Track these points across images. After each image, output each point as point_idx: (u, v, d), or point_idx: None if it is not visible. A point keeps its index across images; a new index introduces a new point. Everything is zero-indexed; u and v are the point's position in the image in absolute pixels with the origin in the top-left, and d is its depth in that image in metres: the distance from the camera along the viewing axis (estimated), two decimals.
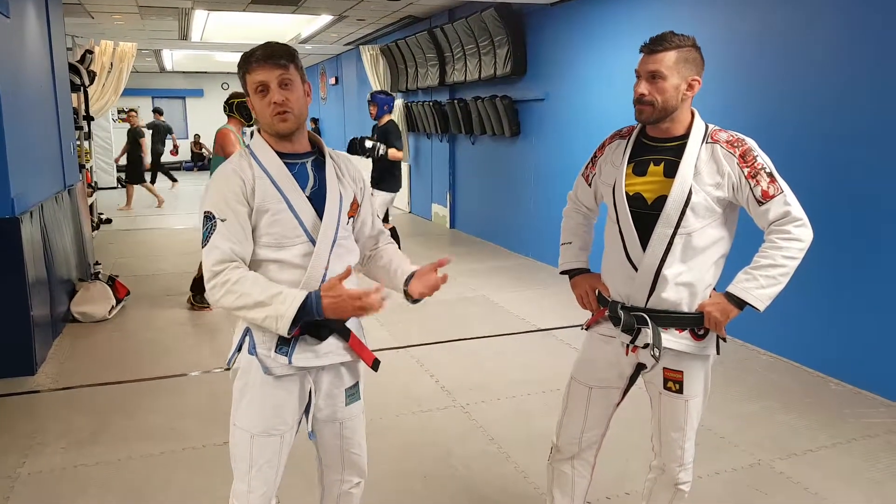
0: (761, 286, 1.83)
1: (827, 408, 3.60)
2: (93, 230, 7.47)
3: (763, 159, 1.85)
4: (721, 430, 3.35)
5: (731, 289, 1.85)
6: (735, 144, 1.86)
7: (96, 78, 8.53)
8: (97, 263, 5.79)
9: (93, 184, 9.09)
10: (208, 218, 1.67)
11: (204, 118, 18.15)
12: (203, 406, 3.64)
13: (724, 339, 1.98)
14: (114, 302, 5.28)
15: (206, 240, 1.66)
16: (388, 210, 6.87)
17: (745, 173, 1.83)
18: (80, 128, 7.15)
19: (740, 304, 1.84)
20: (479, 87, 8.09)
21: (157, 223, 10.03)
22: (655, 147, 1.93)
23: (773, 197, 1.82)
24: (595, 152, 2.13)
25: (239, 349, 1.78)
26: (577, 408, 2.12)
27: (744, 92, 4.52)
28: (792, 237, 1.83)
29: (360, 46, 10.82)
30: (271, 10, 8.65)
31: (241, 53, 1.74)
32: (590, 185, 2.13)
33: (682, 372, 1.94)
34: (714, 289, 1.95)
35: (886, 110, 3.62)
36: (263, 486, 1.81)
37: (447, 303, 5.56)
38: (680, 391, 1.95)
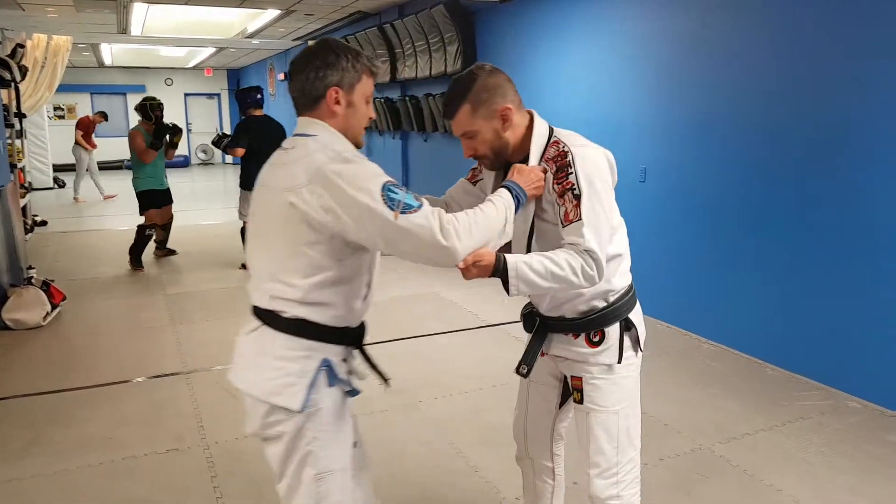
0: (531, 267, 1.61)
1: (764, 393, 3.74)
2: (26, 233, 7.17)
3: (577, 176, 1.66)
4: (665, 418, 3.44)
5: (508, 256, 1.64)
6: (556, 158, 1.72)
7: (28, 73, 8.19)
8: (30, 268, 5.56)
9: (27, 184, 8.74)
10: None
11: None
12: (145, 414, 3.55)
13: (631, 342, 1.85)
14: (49, 308, 5.08)
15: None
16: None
17: (557, 190, 1.70)
18: (10, 125, 6.86)
19: (503, 270, 1.61)
20: (430, 83, 8.09)
21: (97, 224, 9.70)
22: None
23: (571, 222, 1.65)
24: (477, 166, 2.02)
25: (312, 386, 1.59)
26: (520, 401, 2.13)
27: (684, 87, 4.63)
28: (574, 256, 1.63)
29: (310, 42, 10.66)
30: (216, 3, 8.45)
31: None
32: (474, 185, 2.03)
33: (581, 378, 1.84)
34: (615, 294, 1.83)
35: (823, 104, 3.76)
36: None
37: (400, 301, 5.55)
38: (581, 401, 1.85)
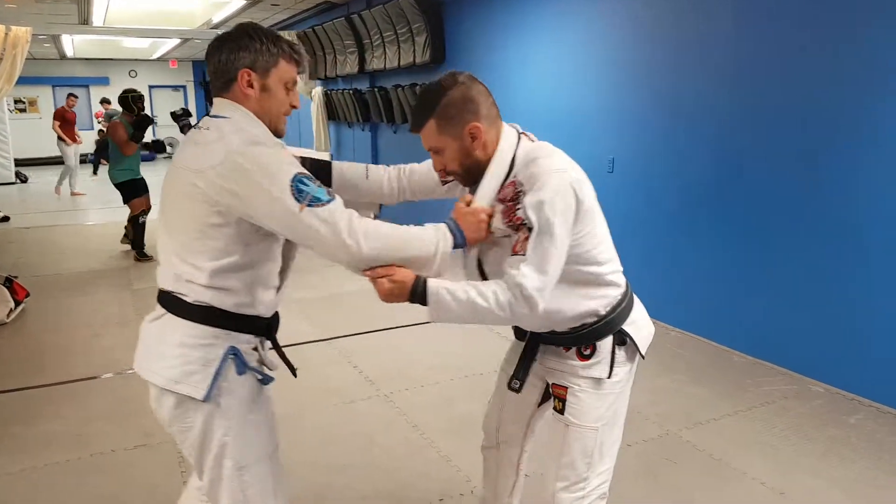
0: (454, 296, 1.55)
1: (730, 379, 3.82)
2: None
3: (528, 211, 1.56)
4: (633, 404, 3.45)
5: (432, 280, 1.58)
6: (518, 185, 1.61)
7: None
8: None
9: None
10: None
11: (110, 107, 17.29)
12: (112, 410, 3.49)
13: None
14: (12, 304, 4.97)
15: None
16: None
17: (511, 221, 1.61)
18: None
19: (421, 294, 1.56)
20: (398, 74, 8.05)
21: (61, 220, 9.50)
22: None
23: (516, 254, 1.57)
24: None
25: (217, 375, 1.55)
26: (497, 393, 2.08)
27: (651, 77, 4.68)
28: (504, 290, 1.55)
29: (277, 32, 10.54)
30: None
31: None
32: (444, 184, 1.92)
33: (566, 389, 1.77)
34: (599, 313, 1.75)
35: (788, 92, 3.83)
36: (286, 487, 1.76)
37: (369, 293, 5.51)
38: (562, 411, 1.78)
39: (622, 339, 1.76)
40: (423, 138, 1.68)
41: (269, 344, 1.71)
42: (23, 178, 13.51)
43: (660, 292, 4.75)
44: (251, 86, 1.57)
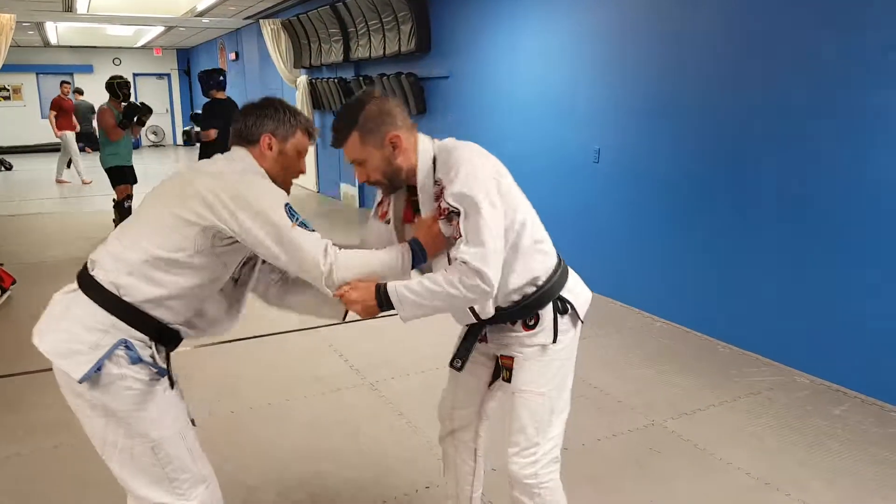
0: (410, 289, 1.67)
1: (716, 369, 3.84)
2: None
3: (451, 199, 1.67)
4: (618, 395, 3.51)
5: (389, 283, 1.69)
6: (439, 182, 1.74)
7: None
8: None
9: None
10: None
11: (94, 96, 17.07)
12: None
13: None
14: None
15: None
16: None
17: (444, 218, 1.72)
18: None
19: (384, 296, 1.68)
20: (384, 63, 8.00)
21: (44, 208, 9.38)
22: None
23: (456, 240, 1.68)
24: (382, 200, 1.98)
25: (103, 360, 1.60)
26: (450, 381, 2.14)
27: (638, 68, 4.68)
28: (452, 271, 1.66)
29: (261, 20, 10.44)
30: None
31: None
32: (387, 223, 1.95)
33: (513, 358, 1.87)
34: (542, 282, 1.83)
35: (774, 86, 3.84)
36: (209, 466, 1.80)
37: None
38: (510, 380, 1.88)
39: (564, 307, 1.86)
40: (347, 151, 1.78)
41: (163, 355, 1.73)
42: (7, 166, 13.34)
43: (645, 283, 4.77)
44: (270, 148, 1.78)
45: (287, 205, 1.66)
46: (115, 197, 7.01)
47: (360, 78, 8.32)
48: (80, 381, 1.60)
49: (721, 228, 4.17)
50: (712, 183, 4.23)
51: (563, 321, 1.86)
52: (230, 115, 6.35)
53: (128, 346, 1.63)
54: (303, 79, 10.12)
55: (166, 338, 1.73)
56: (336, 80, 8.92)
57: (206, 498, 1.77)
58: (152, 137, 18.90)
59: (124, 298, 1.63)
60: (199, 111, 6.99)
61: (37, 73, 17.23)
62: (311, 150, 10.47)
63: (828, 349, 3.63)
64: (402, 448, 3.00)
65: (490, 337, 1.93)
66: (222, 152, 1.83)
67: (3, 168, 13.22)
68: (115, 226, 6.99)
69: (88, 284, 1.65)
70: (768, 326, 3.94)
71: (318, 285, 1.67)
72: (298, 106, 10.23)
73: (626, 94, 4.79)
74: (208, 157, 6.56)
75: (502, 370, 1.91)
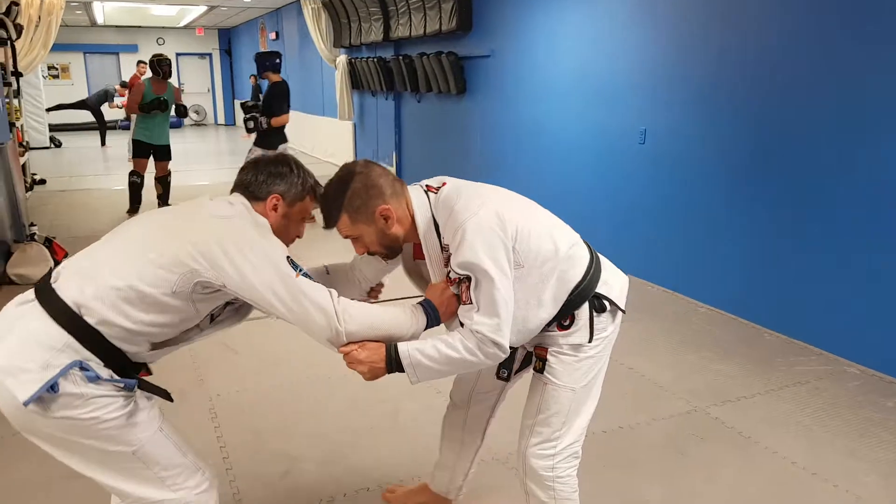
0: (425, 353, 1.64)
1: (761, 357, 3.74)
2: (26, 191, 7.20)
3: (460, 265, 1.64)
4: (659, 380, 3.45)
5: (400, 344, 1.66)
6: (447, 248, 1.71)
7: (24, 31, 8.01)
8: (32, 224, 5.55)
9: (24, 143, 8.64)
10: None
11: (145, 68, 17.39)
12: None
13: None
14: (52, 263, 5.06)
15: None
16: None
17: (454, 278, 1.70)
18: (8, 84, 6.76)
19: (396, 359, 1.65)
20: (424, 42, 7.94)
21: (93, 184, 9.63)
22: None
23: (463, 303, 1.67)
24: None
25: (53, 381, 1.44)
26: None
27: (688, 47, 4.54)
28: (469, 337, 1.64)
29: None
30: None
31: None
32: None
33: (546, 349, 1.83)
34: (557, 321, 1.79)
35: (830, 72, 3.70)
36: (198, 457, 1.75)
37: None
38: (542, 371, 1.84)
39: (601, 305, 1.79)
40: (340, 231, 1.76)
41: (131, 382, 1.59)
42: (57, 143, 13.70)
43: (687, 267, 4.67)
44: (276, 209, 1.73)
45: (288, 257, 1.60)
46: (156, 174, 7.22)
47: (400, 57, 8.28)
48: (26, 404, 1.43)
49: (770, 213, 4.05)
50: (762, 167, 4.09)
51: (600, 319, 1.79)
52: (289, 96, 6.48)
53: (83, 366, 1.48)
54: (342, 58, 10.12)
55: (127, 368, 1.59)
56: (375, 60, 8.91)
57: (201, 483, 1.70)
58: (194, 116, 19.18)
59: (85, 318, 1.49)
60: (249, 99, 6.99)
61: (84, 53, 17.59)
62: (349, 129, 10.52)
63: (880, 339, 3.50)
64: (438, 427, 2.97)
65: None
66: (281, 139, 1.77)
67: (53, 145, 13.58)
68: (159, 201, 7.17)
69: (49, 300, 1.51)
70: (817, 315, 3.82)
71: (320, 340, 1.61)
72: (337, 87, 10.29)
73: (675, 73, 4.65)
74: (271, 143, 6.60)
75: (535, 359, 1.87)
